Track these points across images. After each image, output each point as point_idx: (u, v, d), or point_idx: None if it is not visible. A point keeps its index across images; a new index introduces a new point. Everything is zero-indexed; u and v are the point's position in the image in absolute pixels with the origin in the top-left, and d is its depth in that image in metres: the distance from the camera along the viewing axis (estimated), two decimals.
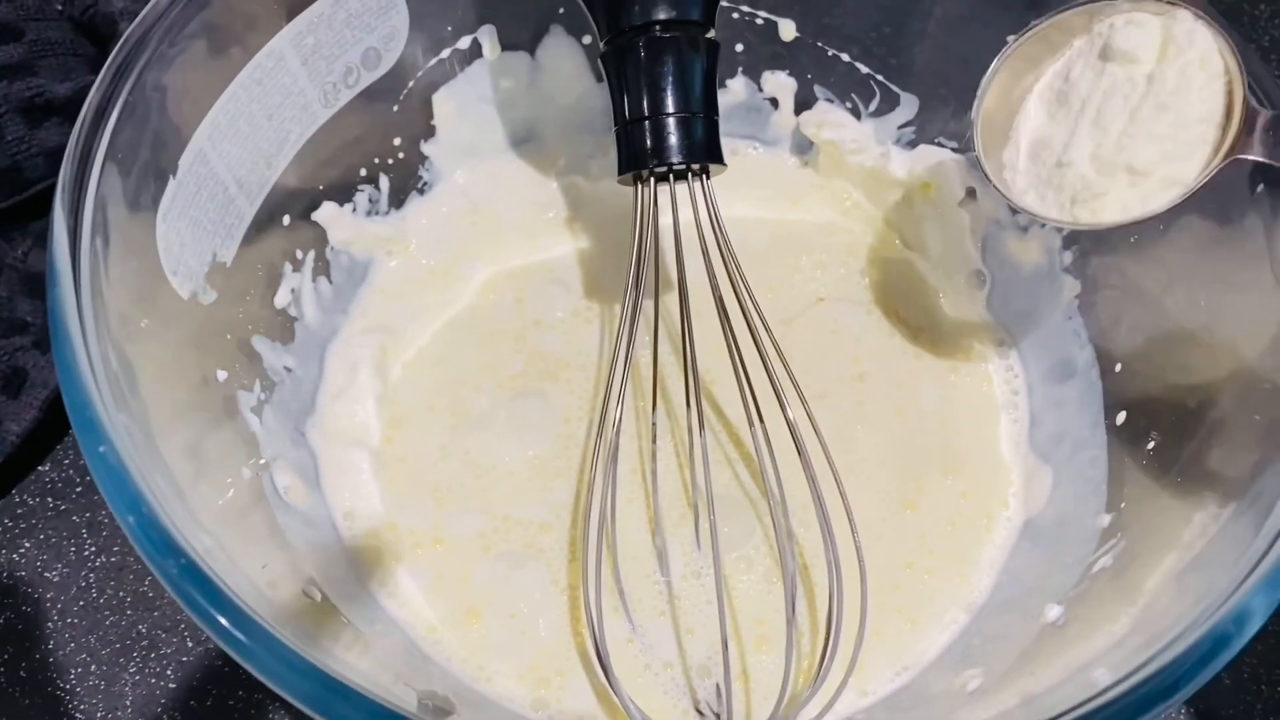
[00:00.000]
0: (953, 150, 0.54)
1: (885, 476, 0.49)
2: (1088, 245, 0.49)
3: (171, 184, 0.40)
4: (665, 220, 0.44)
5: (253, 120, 0.44)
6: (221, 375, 0.43)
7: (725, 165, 0.42)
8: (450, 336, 0.53)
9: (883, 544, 0.47)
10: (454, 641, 0.45)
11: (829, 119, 0.56)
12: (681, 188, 0.43)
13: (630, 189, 0.44)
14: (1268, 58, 0.66)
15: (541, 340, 0.53)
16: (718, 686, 0.43)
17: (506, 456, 0.49)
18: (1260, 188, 0.40)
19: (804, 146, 0.58)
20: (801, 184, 0.58)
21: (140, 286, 0.38)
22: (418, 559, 0.47)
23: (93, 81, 0.56)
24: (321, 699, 0.28)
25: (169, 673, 0.47)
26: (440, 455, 0.49)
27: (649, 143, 0.41)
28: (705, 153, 0.41)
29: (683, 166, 0.41)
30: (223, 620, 0.29)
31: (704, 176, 0.42)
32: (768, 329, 0.43)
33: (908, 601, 0.46)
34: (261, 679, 0.29)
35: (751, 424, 0.43)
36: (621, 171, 0.42)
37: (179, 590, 0.29)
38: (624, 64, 0.41)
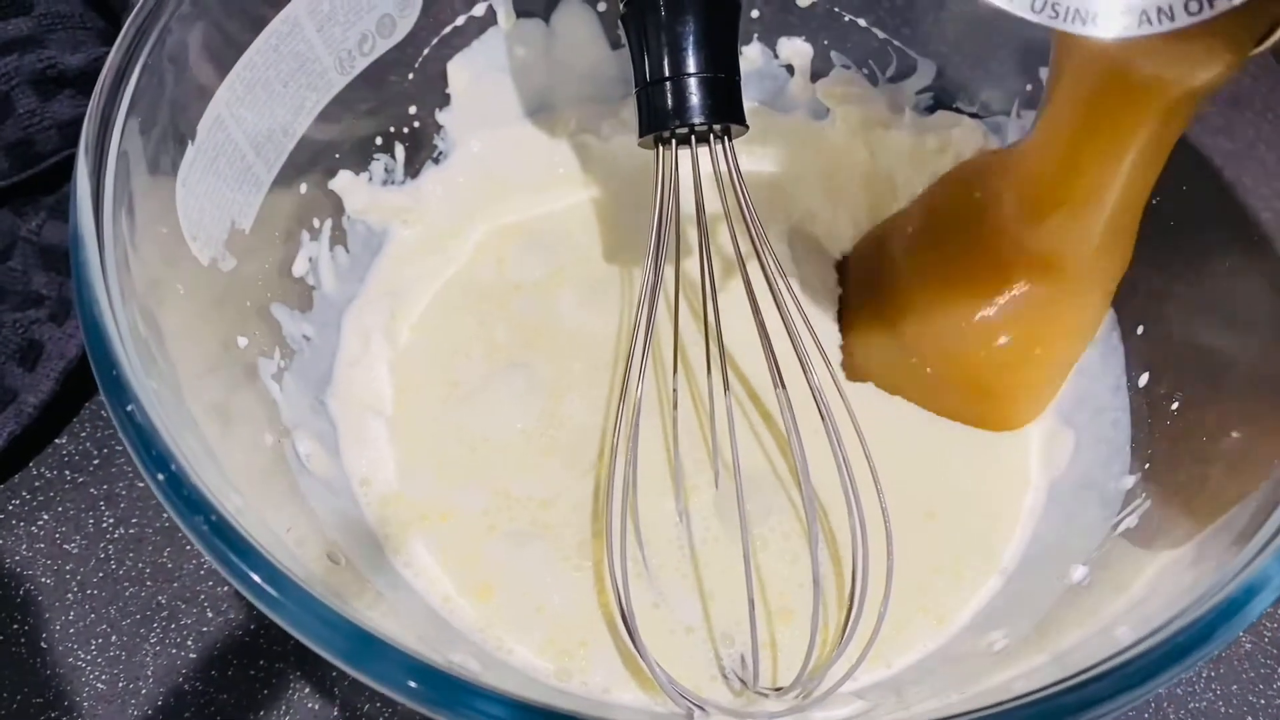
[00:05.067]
0: (971, 115, 0.54)
1: (906, 487, 0.46)
2: None
3: (190, 149, 0.40)
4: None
5: (269, 87, 0.44)
6: (242, 341, 0.43)
7: (747, 127, 0.42)
8: (446, 300, 0.53)
9: (905, 553, 0.44)
10: (471, 613, 0.44)
11: (846, 85, 0.56)
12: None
13: (640, 153, 0.43)
14: None
15: (521, 306, 0.53)
16: (742, 656, 0.43)
17: (496, 432, 0.49)
18: None
19: (820, 113, 0.58)
20: (817, 151, 0.58)
21: (162, 250, 0.38)
22: (428, 531, 0.46)
23: (104, 53, 0.57)
24: (356, 652, 0.28)
25: (189, 643, 0.47)
26: (438, 428, 0.49)
27: (670, 103, 0.41)
28: (728, 113, 0.41)
29: (704, 128, 0.41)
30: (255, 576, 0.29)
31: (726, 138, 0.42)
32: (791, 292, 0.42)
33: (933, 601, 0.45)
34: (294, 633, 0.29)
35: (777, 386, 0.42)
36: (642, 133, 0.42)
37: (210, 547, 0.29)
38: (644, 24, 0.41)
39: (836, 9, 0.54)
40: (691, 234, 0.44)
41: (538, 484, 0.47)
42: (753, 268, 0.43)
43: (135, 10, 0.38)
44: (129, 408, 0.30)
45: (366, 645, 0.29)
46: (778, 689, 0.41)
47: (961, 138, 0.53)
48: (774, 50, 0.56)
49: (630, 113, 0.56)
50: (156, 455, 0.29)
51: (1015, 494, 0.48)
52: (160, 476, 0.29)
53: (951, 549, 0.46)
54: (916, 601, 0.45)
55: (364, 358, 0.50)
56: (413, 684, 0.28)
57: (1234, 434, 0.40)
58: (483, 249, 0.55)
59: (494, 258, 0.54)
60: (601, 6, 0.54)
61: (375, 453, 0.48)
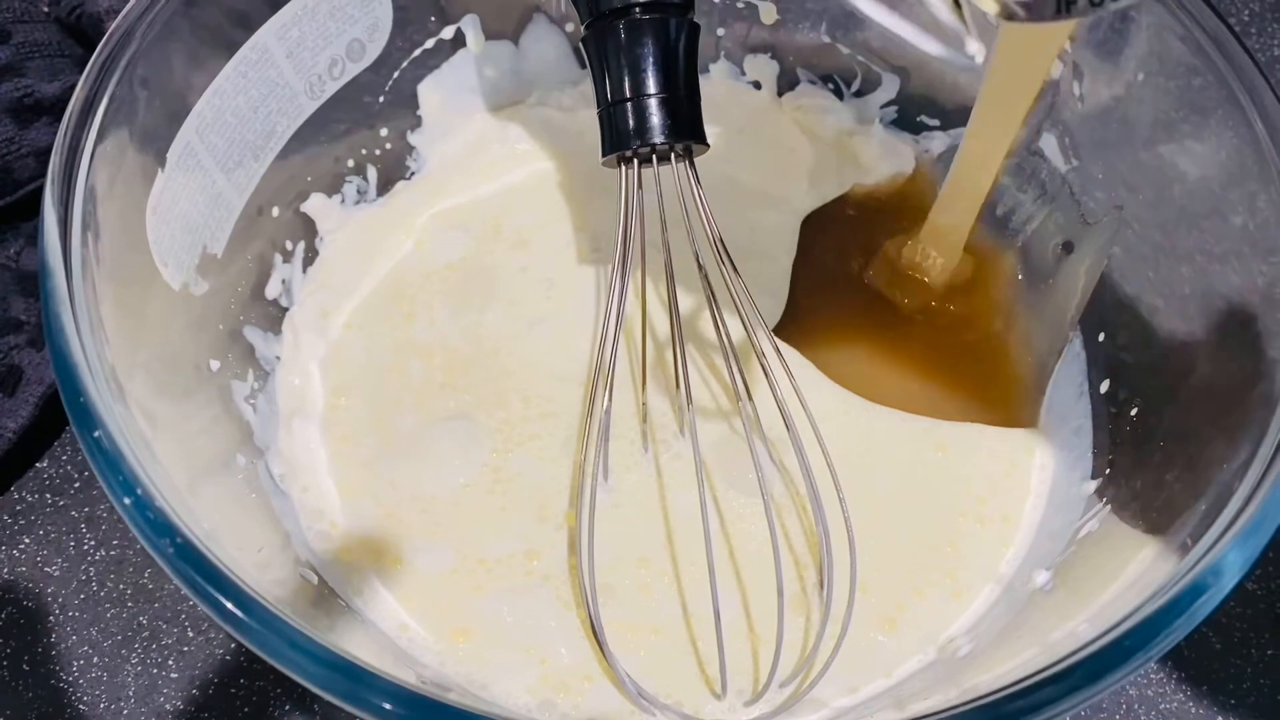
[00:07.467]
0: (935, 128, 0.55)
1: (900, 443, 0.48)
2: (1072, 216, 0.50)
3: (160, 177, 0.40)
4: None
5: (239, 113, 0.44)
6: (214, 365, 0.43)
7: (708, 146, 0.43)
8: (371, 307, 0.52)
9: (926, 490, 0.46)
10: (449, 655, 0.42)
11: (812, 100, 0.56)
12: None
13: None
14: (1247, 31, 0.66)
15: (442, 333, 0.51)
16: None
17: (442, 488, 0.46)
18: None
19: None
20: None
21: (132, 278, 0.39)
22: (387, 574, 0.44)
23: None
24: (326, 675, 0.29)
25: (170, 662, 0.48)
26: (376, 480, 0.46)
27: (631, 123, 0.42)
28: (688, 132, 0.42)
29: (666, 147, 0.42)
30: (221, 598, 0.29)
31: (688, 158, 0.43)
32: (754, 305, 0.43)
33: (960, 564, 0.44)
34: (262, 656, 0.29)
35: (739, 399, 0.43)
36: (605, 153, 0.43)
37: (176, 570, 0.29)
38: (605, 46, 0.42)
39: (801, 25, 0.55)
40: (656, 251, 0.45)
41: (513, 539, 0.45)
42: (716, 282, 0.43)
43: (104, 40, 0.39)
44: (96, 433, 0.31)
45: (337, 668, 0.29)
46: (758, 695, 0.41)
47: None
48: (740, 67, 0.57)
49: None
50: (123, 480, 0.30)
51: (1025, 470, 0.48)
52: (127, 500, 0.30)
53: (971, 490, 0.46)
54: (943, 565, 0.44)
55: (296, 360, 0.49)
56: (388, 706, 0.28)
57: (1190, 437, 0.40)
58: (419, 239, 0.54)
59: (429, 245, 0.54)
60: (569, 27, 0.55)
61: (319, 484, 0.46)
